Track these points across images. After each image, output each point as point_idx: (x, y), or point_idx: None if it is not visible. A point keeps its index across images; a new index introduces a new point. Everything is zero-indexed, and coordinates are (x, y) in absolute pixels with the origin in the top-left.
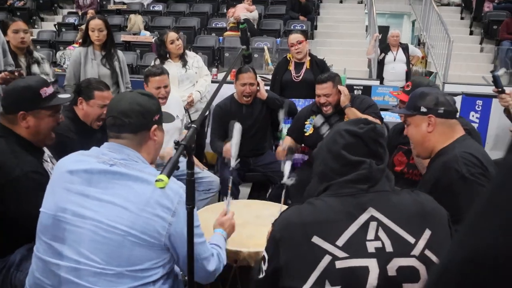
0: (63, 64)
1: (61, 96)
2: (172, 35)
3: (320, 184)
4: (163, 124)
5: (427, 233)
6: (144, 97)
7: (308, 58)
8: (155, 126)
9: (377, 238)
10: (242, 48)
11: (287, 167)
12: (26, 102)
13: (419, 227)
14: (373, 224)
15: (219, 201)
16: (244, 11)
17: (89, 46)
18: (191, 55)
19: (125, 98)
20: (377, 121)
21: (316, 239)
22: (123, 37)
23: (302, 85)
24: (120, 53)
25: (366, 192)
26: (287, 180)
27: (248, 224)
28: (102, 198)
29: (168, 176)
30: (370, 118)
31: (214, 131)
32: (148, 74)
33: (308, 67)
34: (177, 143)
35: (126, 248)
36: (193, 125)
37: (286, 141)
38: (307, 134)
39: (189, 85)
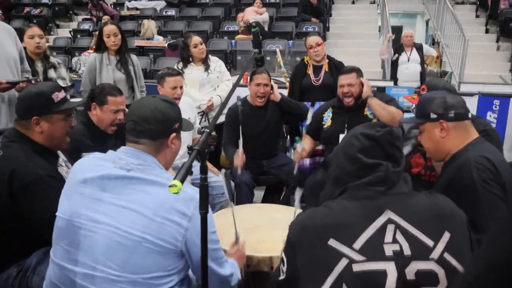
0: (79, 69)
1: (72, 100)
2: (196, 39)
3: (336, 187)
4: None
5: (446, 236)
6: (167, 104)
7: (326, 60)
8: (174, 134)
9: (395, 241)
10: (255, 51)
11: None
12: (38, 107)
13: (437, 230)
14: (390, 227)
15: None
16: (254, 14)
17: (104, 52)
18: (213, 60)
19: (147, 104)
20: (400, 112)
21: (332, 242)
22: (136, 42)
23: (322, 89)
24: (134, 57)
25: (383, 194)
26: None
27: (260, 229)
28: (117, 203)
29: (182, 181)
30: (393, 109)
31: (227, 133)
32: (164, 75)
33: (327, 70)
34: (190, 148)
35: (141, 255)
36: (206, 130)
37: (304, 141)
38: (325, 126)
39: (210, 89)
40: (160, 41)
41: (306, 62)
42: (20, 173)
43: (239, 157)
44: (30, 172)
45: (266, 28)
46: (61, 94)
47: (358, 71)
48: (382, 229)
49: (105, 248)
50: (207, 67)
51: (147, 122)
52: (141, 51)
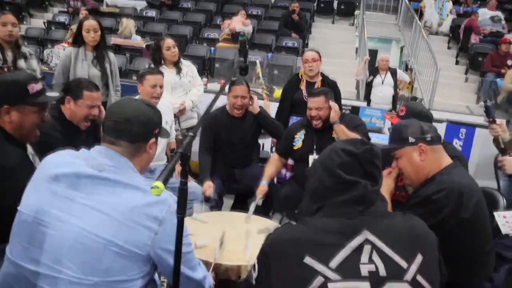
0: (50, 62)
1: (49, 94)
2: (169, 41)
3: (314, 201)
4: None
5: (419, 258)
6: (149, 108)
7: (320, 78)
8: (153, 139)
9: (371, 261)
10: (240, 60)
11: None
12: (12, 96)
13: (411, 251)
14: (367, 247)
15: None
16: (240, 24)
17: (81, 46)
18: (186, 64)
19: (130, 105)
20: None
21: (308, 260)
22: (113, 40)
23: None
24: (111, 55)
25: (361, 213)
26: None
27: (229, 237)
28: (87, 204)
29: (164, 183)
30: (357, 136)
31: (203, 140)
32: (145, 73)
33: (319, 87)
34: (172, 151)
35: (106, 258)
36: (190, 134)
37: (272, 161)
38: (295, 148)
39: (182, 93)
40: (138, 41)
41: (300, 77)
42: None
43: (209, 187)
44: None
45: (248, 39)
46: (37, 86)
47: (327, 94)
48: (359, 249)
49: (69, 250)
50: (179, 71)
51: (129, 123)
52: (118, 49)
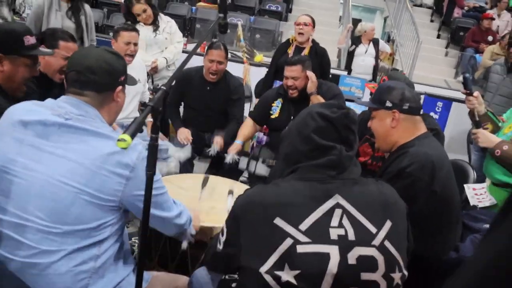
0: (23, 12)
1: (42, 49)
2: (137, 8)
3: (287, 165)
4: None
5: (387, 224)
6: (112, 56)
7: (310, 44)
8: (120, 87)
9: (340, 225)
10: (220, 16)
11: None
12: (7, 45)
13: (381, 218)
14: (338, 211)
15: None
16: None
17: None
18: (164, 20)
19: (92, 54)
20: None
21: (278, 221)
22: None
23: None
24: (87, 7)
25: (334, 178)
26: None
27: (203, 199)
28: (55, 152)
29: (132, 136)
30: None
31: (171, 95)
32: (119, 29)
33: (306, 53)
34: (143, 104)
35: (76, 206)
36: (162, 87)
37: (246, 124)
38: (273, 116)
39: (157, 50)
40: None
41: (291, 42)
42: None
43: (183, 133)
44: None
45: (230, 0)
46: (32, 39)
47: (304, 63)
48: (330, 213)
49: (37, 198)
50: (156, 28)
51: (92, 73)
52: (95, 3)
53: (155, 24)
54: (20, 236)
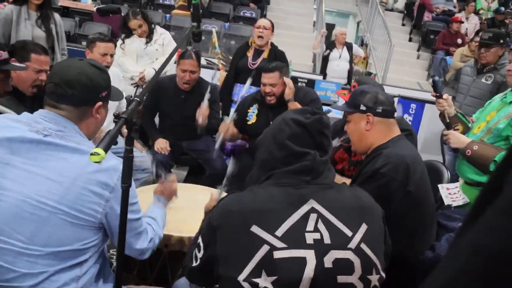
0: None
1: (14, 63)
2: (134, 23)
3: (262, 171)
4: None
5: (363, 227)
6: (95, 70)
7: (269, 47)
8: (99, 103)
9: (316, 230)
10: (193, 25)
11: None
12: None
13: (356, 221)
14: (313, 216)
15: (153, 183)
16: None
17: (23, 5)
18: (159, 31)
19: (74, 67)
20: None
21: (255, 228)
22: (61, 1)
23: (257, 74)
24: (57, 16)
25: (308, 183)
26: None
27: (182, 209)
28: (29, 169)
29: (105, 150)
30: None
31: (147, 105)
32: (95, 39)
33: (266, 56)
34: (116, 116)
35: (55, 227)
36: (136, 99)
37: (229, 127)
38: (249, 122)
39: (148, 61)
40: (88, 4)
41: (250, 44)
42: None
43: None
44: None
45: (205, 7)
46: (4, 54)
47: (281, 70)
48: (305, 218)
49: (12, 218)
50: (149, 40)
51: (70, 86)
52: (65, 12)
53: (150, 36)
54: None
